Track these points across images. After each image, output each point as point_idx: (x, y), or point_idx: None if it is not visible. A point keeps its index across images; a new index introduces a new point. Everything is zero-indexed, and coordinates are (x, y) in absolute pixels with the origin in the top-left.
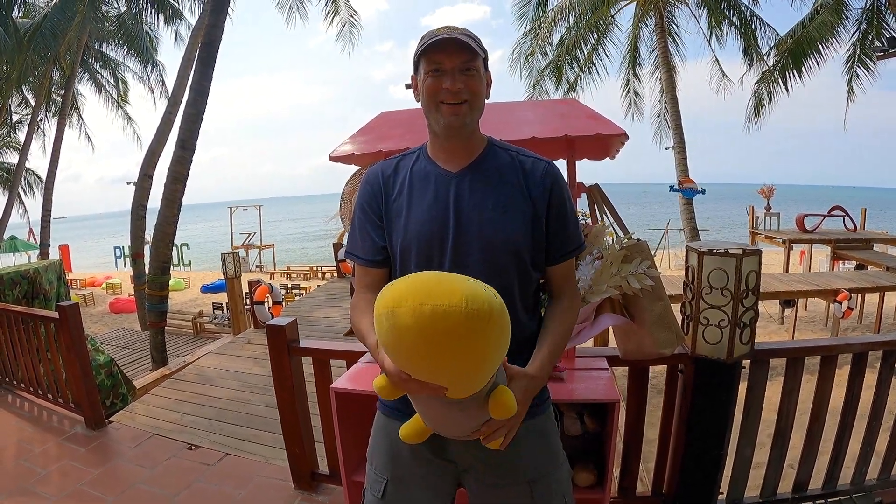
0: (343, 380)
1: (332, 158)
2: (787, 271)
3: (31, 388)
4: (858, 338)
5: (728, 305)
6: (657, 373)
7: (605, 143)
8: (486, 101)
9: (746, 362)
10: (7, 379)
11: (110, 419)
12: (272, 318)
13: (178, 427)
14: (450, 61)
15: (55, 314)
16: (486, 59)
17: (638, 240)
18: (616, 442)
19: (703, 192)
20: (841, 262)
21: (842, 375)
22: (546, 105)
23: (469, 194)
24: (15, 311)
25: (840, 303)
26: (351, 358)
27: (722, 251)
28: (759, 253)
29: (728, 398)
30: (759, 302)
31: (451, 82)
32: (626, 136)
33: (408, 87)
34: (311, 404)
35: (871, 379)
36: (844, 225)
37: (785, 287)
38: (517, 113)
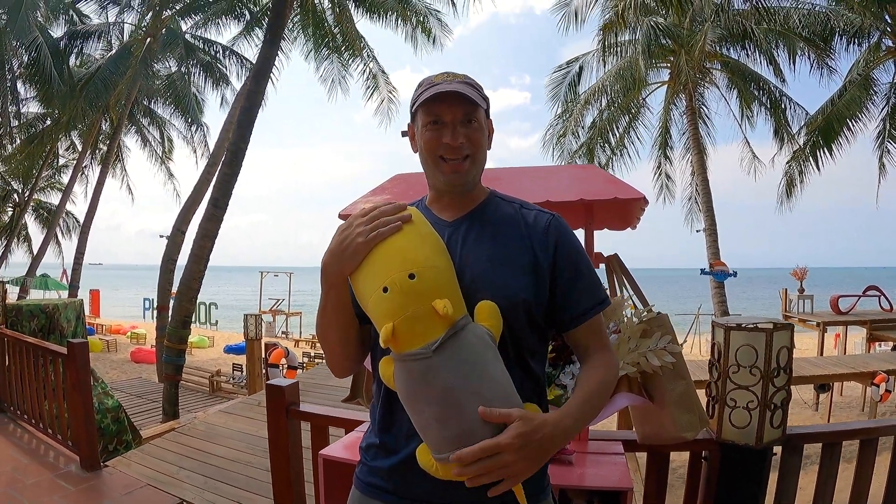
0: (337, 446)
1: (342, 217)
2: (821, 354)
3: (34, 421)
4: None
5: (757, 385)
6: (681, 460)
7: (625, 209)
8: (498, 164)
9: (777, 449)
10: (12, 408)
11: (106, 463)
12: None
13: (173, 480)
14: (450, 113)
15: (63, 349)
16: (487, 108)
17: (658, 313)
18: None
19: (735, 274)
20: (877, 343)
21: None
22: (561, 168)
23: (462, 244)
24: (26, 341)
25: (878, 385)
26: (349, 426)
27: (750, 326)
28: (790, 328)
29: (758, 488)
30: (792, 386)
31: (451, 137)
32: (645, 201)
33: (404, 134)
34: (308, 472)
35: None
36: (880, 305)
37: (819, 371)
38: (529, 175)
